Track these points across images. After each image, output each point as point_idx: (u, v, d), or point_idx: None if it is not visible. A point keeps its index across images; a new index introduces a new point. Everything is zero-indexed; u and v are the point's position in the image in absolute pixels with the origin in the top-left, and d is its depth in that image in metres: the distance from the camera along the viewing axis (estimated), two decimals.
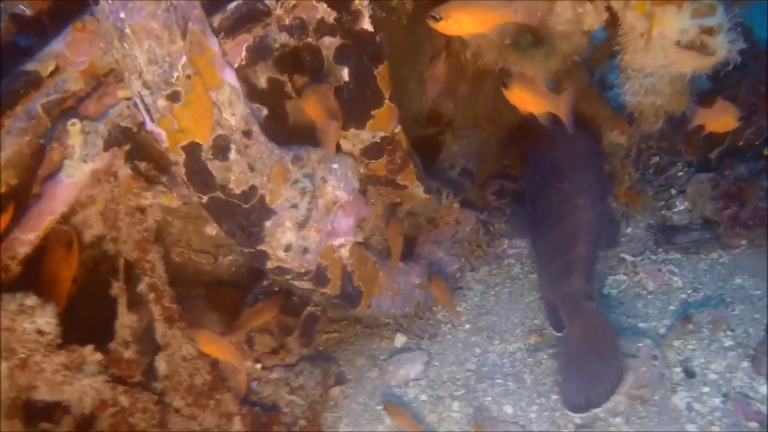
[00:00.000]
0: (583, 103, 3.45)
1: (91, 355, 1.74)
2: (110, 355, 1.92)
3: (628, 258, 3.06)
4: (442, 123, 3.54)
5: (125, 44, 1.55)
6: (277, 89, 2.42)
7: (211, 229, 2.67)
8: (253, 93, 2.34)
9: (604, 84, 3.97)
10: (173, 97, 1.62)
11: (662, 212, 3.22)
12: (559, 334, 2.74)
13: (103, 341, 1.92)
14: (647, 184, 3.26)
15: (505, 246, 3.35)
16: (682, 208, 3.17)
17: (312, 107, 2.02)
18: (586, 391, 2.38)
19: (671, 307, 2.81)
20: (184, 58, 1.61)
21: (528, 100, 2.26)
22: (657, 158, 3.41)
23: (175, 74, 1.60)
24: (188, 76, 1.63)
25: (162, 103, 1.63)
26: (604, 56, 3.96)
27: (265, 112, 2.26)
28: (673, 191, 3.31)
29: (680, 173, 3.36)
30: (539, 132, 3.32)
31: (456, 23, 1.99)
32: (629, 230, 3.23)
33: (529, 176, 3.24)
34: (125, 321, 1.93)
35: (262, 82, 2.40)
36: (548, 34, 2.27)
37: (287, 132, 2.37)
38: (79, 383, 1.71)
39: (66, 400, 1.74)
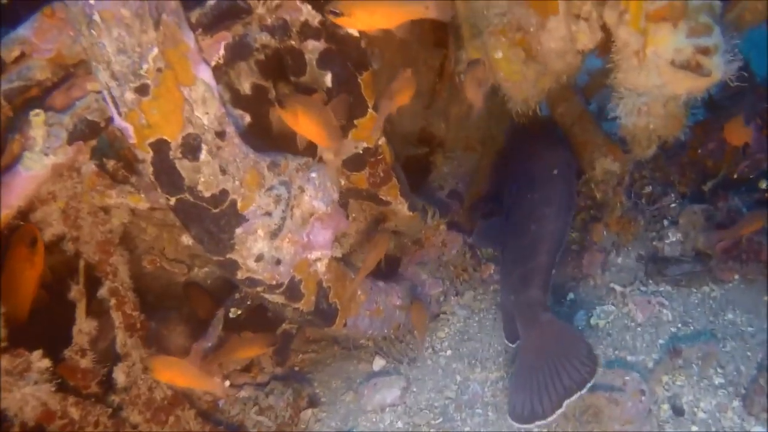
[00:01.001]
0: (577, 128, 3.41)
1: (38, 361, 1.62)
2: (64, 363, 1.80)
3: (618, 288, 2.96)
4: (434, 143, 3.49)
5: (93, 31, 1.48)
6: (260, 96, 2.35)
7: (187, 239, 2.56)
8: (236, 99, 2.27)
9: (601, 113, 3.95)
10: (142, 90, 1.54)
11: (654, 243, 3.14)
12: (512, 345, 2.71)
13: (58, 348, 1.81)
14: (639, 213, 3.18)
15: (492, 271, 3.27)
16: (674, 239, 3.08)
17: (301, 122, 1.84)
18: (532, 403, 2.34)
19: (660, 341, 2.71)
20: (156, 50, 1.53)
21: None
22: (650, 188, 3.34)
23: (145, 66, 1.52)
24: (159, 69, 1.55)
25: (130, 96, 1.55)
26: (599, 85, 3.96)
27: (248, 119, 2.20)
28: (666, 222, 3.23)
29: (673, 204, 3.29)
30: (517, 143, 3.37)
31: (358, 20, 1.81)
32: (619, 260, 3.14)
33: (505, 186, 3.24)
34: (83, 327, 1.82)
35: (245, 88, 2.33)
36: (541, 51, 2.20)
37: (271, 140, 2.29)
38: (20, 391, 1.59)
39: (5, 408, 1.62)
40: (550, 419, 2.29)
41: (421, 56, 3.18)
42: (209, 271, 2.77)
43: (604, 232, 3.21)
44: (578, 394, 2.29)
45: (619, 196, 3.17)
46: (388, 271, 2.94)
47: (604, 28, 2.22)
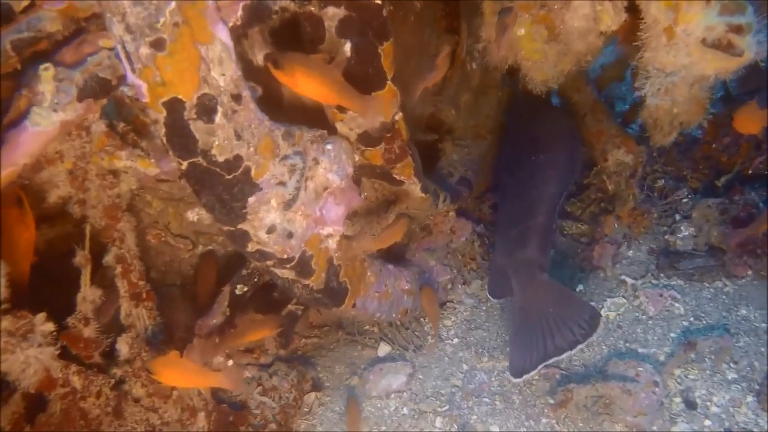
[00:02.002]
0: (590, 119, 3.36)
1: (41, 324, 1.55)
2: (68, 331, 1.73)
3: (629, 280, 2.92)
4: (443, 130, 3.43)
5: None
6: None
7: (193, 215, 2.51)
8: (248, 71, 2.20)
9: (612, 106, 3.90)
10: (157, 44, 1.48)
11: (665, 236, 3.09)
12: (493, 300, 2.90)
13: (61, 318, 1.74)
14: (652, 206, 3.13)
15: None
16: (686, 233, 3.03)
17: (301, 82, 1.72)
18: (522, 358, 2.45)
19: (672, 334, 2.66)
20: (173, 4, 1.47)
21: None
22: (662, 182, 3.29)
23: (162, 19, 1.46)
24: (176, 24, 1.49)
25: (145, 50, 1.49)
26: (612, 77, 3.91)
27: (259, 92, 2.14)
28: (677, 216, 3.18)
29: (685, 199, 3.24)
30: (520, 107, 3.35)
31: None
32: (630, 252, 3.09)
33: (506, 147, 3.27)
34: (87, 295, 1.76)
35: (259, 59, 2.27)
36: (564, 30, 2.15)
37: (282, 115, 2.22)
38: (23, 353, 1.52)
39: (5, 372, 1.55)
40: (533, 373, 2.42)
41: (432, 42, 3.12)
42: (213, 250, 2.71)
43: (616, 225, 3.16)
44: (567, 353, 2.38)
45: (632, 188, 3.12)
46: (395, 256, 2.88)
47: (629, 9, 2.19)
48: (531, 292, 2.57)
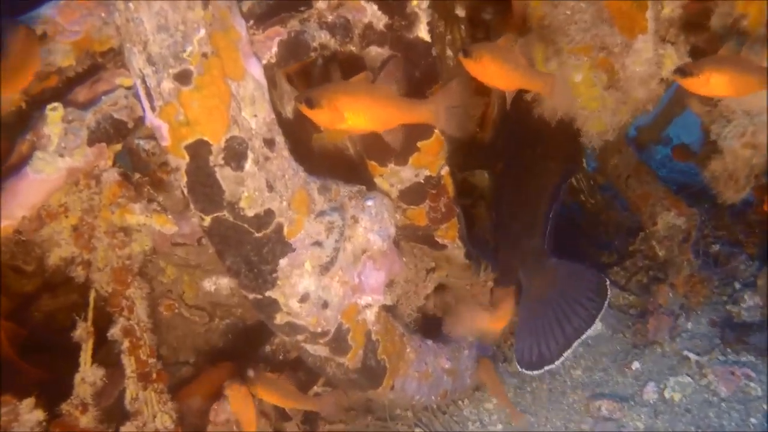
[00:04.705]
0: (634, 181, 3.16)
1: (27, 412, 1.27)
2: (60, 420, 1.45)
3: (692, 357, 2.60)
4: (475, 195, 3.24)
5: (131, 4, 1.22)
6: (302, 120, 2.09)
7: (210, 284, 2.26)
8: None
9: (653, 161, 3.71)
10: (182, 77, 1.27)
11: (727, 307, 2.80)
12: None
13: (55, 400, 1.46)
14: (711, 273, 2.86)
15: None
16: (751, 303, 2.75)
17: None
18: (539, 348, 2.42)
19: (753, 420, 2.32)
20: (203, 32, 1.27)
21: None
22: (716, 247, 3.05)
23: (189, 48, 1.26)
24: (204, 54, 1.28)
25: (167, 85, 1.28)
26: (650, 139, 3.74)
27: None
28: (737, 285, 2.91)
29: (743, 266, 2.98)
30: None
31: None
32: (690, 325, 2.79)
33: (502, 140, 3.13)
34: (87, 375, 1.48)
35: (287, 111, 2.08)
36: (623, 75, 1.96)
37: (312, 168, 2.01)
38: None
39: None
40: (558, 363, 2.40)
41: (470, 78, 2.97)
42: (231, 324, 2.44)
43: (670, 294, 2.88)
44: (586, 333, 2.39)
45: (687, 254, 2.86)
46: (432, 329, 2.60)
47: (692, 52, 2.01)
48: (540, 280, 2.56)
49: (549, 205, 2.73)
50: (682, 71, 1.47)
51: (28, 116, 1.38)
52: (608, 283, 2.48)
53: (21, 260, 1.90)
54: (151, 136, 1.68)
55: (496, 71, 1.53)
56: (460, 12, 2.45)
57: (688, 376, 2.56)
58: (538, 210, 2.72)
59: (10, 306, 1.97)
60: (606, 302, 2.42)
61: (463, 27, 2.52)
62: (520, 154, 2.90)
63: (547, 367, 2.40)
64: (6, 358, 1.47)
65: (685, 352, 2.64)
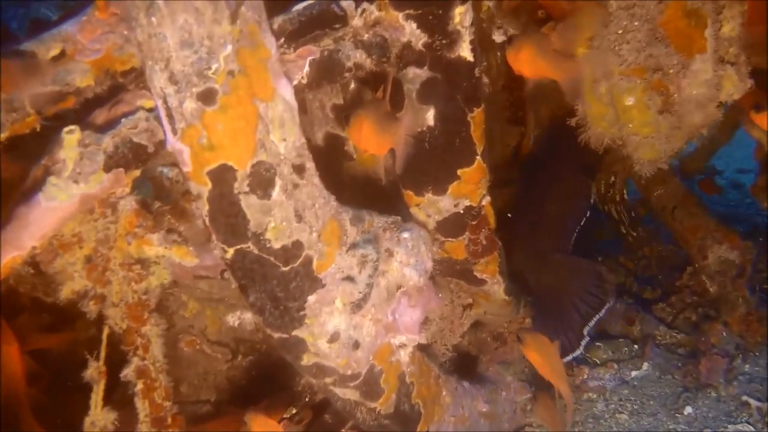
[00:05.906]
0: (681, 213, 2.99)
1: None
2: None
3: (753, 402, 2.41)
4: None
5: (153, 18, 1.12)
6: (334, 148, 1.99)
7: (234, 319, 2.15)
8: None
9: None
10: (207, 97, 1.16)
11: None
12: None
13: None
14: None
15: (585, 376, 2.75)
16: None
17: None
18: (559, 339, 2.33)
19: None
20: (230, 48, 1.17)
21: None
22: None
23: (214, 66, 1.16)
24: (231, 73, 1.18)
25: (190, 105, 1.17)
26: (694, 169, 3.56)
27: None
28: None
29: None
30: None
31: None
32: (747, 367, 2.59)
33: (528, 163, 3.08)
34: (98, 419, 1.36)
35: (318, 137, 1.97)
36: (678, 99, 1.81)
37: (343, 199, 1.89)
38: None
39: None
40: (578, 352, 2.46)
41: (496, 133, 2.86)
42: (255, 361, 2.31)
43: (724, 333, 2.69)
44: (597, 317, 2.44)
45: (742, 290, 2.67)
46: (467, 370, 2.45)
47: (755, 73, 1.86)
48: (546, 276, 2.59)
49: (575, 223, 2.75)
50: (758, 107, 1.32)
51: (46, 140, 1.29)
52: (603, 270, 2.55)
53: (41, 291, 1.81)
54: (175, 163, 1.59)
55: (533, 64, 1.54)
56: (498, 38, 2.33)
57: (749, 424, 2.36)
58: (560, 233, 2.72)
59: (30, 341, 1.88)
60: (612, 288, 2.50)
61: (499, 54, 2.41)
62: (543, 176, 2.88)
63: (570, 356, 2.45)
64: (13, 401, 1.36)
65: (744, 397, 2.45)
